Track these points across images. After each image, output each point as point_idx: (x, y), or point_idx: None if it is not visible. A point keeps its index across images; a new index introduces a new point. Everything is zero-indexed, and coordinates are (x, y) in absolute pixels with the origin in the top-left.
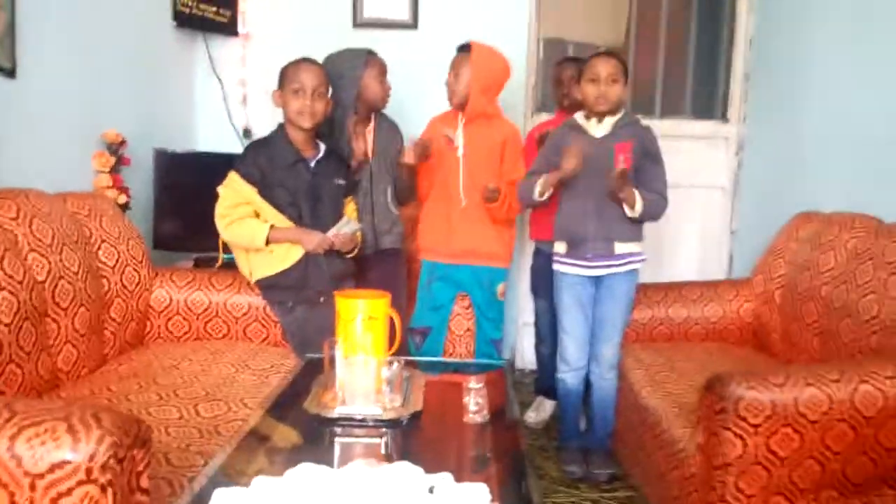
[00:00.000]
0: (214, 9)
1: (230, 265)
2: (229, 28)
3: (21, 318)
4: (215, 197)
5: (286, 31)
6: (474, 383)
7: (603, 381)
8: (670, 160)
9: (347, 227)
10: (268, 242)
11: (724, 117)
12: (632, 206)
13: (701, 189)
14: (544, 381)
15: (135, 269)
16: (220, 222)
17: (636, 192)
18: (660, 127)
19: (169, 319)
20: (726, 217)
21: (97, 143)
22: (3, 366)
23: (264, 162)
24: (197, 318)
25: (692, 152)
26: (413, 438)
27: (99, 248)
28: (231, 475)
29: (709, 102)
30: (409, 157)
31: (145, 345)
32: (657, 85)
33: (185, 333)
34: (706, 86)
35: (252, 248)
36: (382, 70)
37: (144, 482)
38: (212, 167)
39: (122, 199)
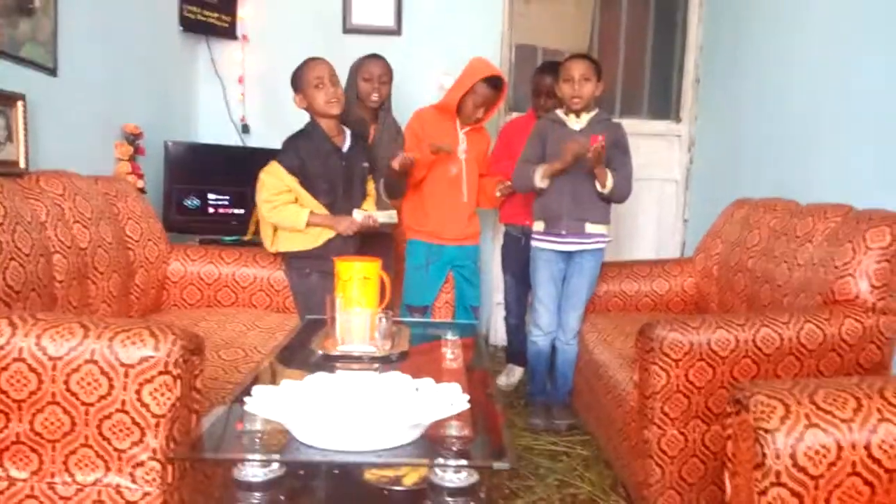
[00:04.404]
0: (216, 15)
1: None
2: (229, 32)
3: (70, 278)
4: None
5: (280, 36)
6: (451, 335)
7: (567, 346)
8: None
9: (385, 218)
10: (307, 226)
11: (677, 117)
12: (603, 184)
13: (657, 182)
14: (513, 349)
15: (154, 244)
16: (265, 206)
17: (608, 172)
18: None
19: (184, 289)
20: (679, 207)
21: (117, 134)
22: None
23: (304, 154)
24: (208, 288)
25: (649, 149)
26: (400, 371)
27: (126, 224)
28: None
29: (664, 104)
30: (395, 164)
31: (164, 311)
32: (617, 87)
33: (198, 301)
34: (661, 89)
35: (290, 229)
36: (372, 72)
37: (199, 384)
38: (213, 158)
39: (140, 183)
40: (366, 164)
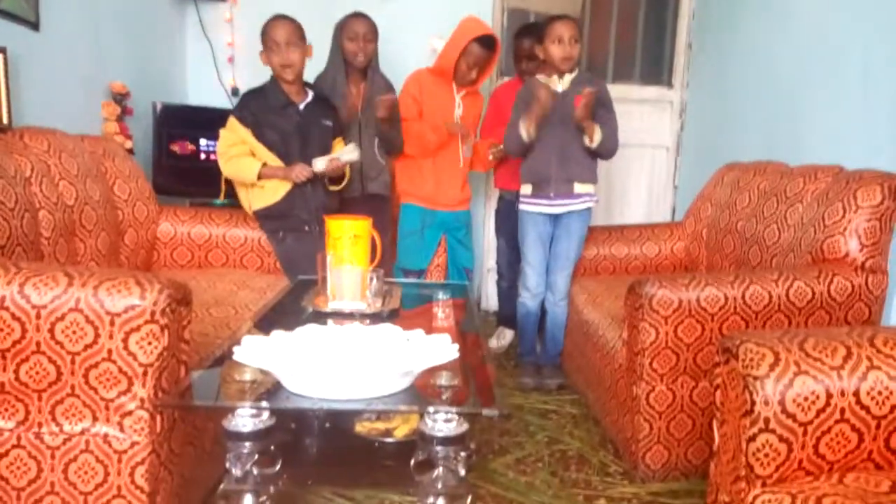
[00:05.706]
0: None
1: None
2: None
3: (57, 235)
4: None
5: None
6: (442, 294)
7: (556, 308)
8: (621, 122)
9: (349, 155)
10: (259, 178)
11: (669, 83)
12: (591, 137)
13: (648, 149)
14: (504, 312)
15: (143, 204)
16: (220, 159)
17: (596, 126)
18: (612, 92)
19: (174, 250)
20: (670, 173)
21: (104, 93)
22: None
23: (257, 107)
24: (199, 249)
25: (640, 115)
26: None
27: (114, 183)
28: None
29: (656, 70)
30: (380, 112)
31: (154, 271)
32: (609, 53)
33: (189, 262)
34: (653, 55)
35: (247, 182)
36: (356, 31)
37: (186, 334)
38: (203, 120)
39: (128, 144)
40: (328, 123)
